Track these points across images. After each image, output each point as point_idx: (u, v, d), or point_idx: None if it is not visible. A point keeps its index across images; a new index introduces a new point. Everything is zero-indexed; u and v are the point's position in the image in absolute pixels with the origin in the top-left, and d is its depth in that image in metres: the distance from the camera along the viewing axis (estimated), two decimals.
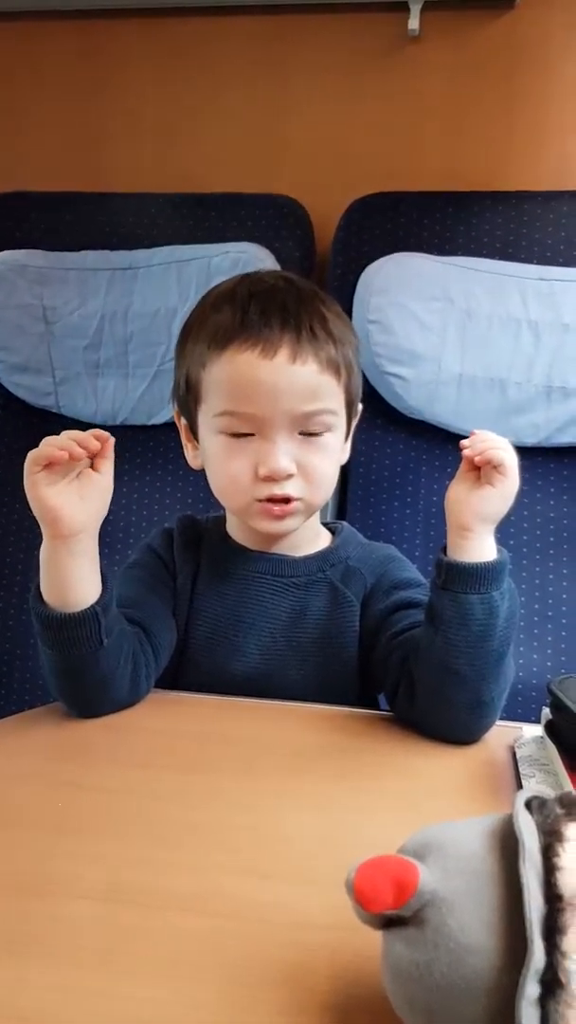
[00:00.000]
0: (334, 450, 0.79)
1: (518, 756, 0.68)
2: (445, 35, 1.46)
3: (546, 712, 0.69)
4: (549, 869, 0.33)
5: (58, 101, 1.59)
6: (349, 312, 1.35)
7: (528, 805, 0.37)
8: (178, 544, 0.86)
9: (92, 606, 0.71)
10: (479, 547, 0.70)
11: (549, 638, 1.26)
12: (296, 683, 0.82)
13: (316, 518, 0.87)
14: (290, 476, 0.76)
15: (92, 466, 0.71)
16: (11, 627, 1.38)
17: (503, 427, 1.31)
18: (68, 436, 0.68)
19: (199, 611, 0.84)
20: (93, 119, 1.58)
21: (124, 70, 1.56)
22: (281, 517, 0.77)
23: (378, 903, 0.35)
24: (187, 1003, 0.41)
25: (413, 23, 1.43)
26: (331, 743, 0.71)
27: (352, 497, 1.37)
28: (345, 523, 0.91)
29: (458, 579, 0.69)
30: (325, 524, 0.90)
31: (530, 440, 1.32)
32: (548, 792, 0.38)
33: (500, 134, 1.47)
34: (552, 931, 0.32)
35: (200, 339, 0.77)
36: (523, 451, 1.29)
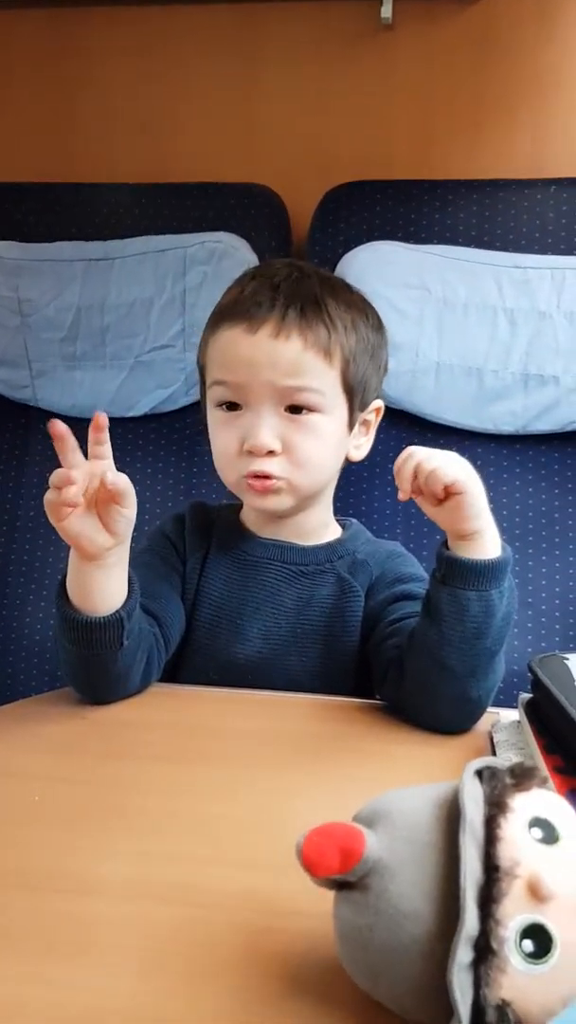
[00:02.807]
0: (325, 434, 0.79)
1: (495, 740, 0.69)
2: (418, 23, 1.45)
3: (523, 697, 0.69)
4: (490, 840, 0.34)
5: (29, 91, 1.56)
6: None
7: (480, 774, 0.37)
8: (189, 528, 0.88)
9: (118, 611, 0.71)
10: (481, 544, 0.69)
11: (529, 624, 1.27)
12: (297, 670, 0.83)
13: (327, 508, 0.88)
14: (272, 453, 0.77)
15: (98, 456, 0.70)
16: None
17: (481, 415, 1.32)
18: (62, 475, 0.65)
19: (205, 593, 0.85)
20: (65, 109, 1.56)
21: (96, 59, 1.54)
22: (263, 493, 0.78)
23: (324, 868, 0.37)
24: (164, 993, 0.41)
25: (386, 11, 1.42)
26: (321, 732, 0.71)
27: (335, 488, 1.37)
28: (355, 520, 0.92)
29: (457, 575, 0.68)
30: (337, 520, 0.91)
31: (507, 428, 1.33)
32: (501, 763, 0.38)
33: (473, 122, 1.47)
34: (488, 900, 0.33)
35: (208, 323, 0.83)
36: (501, 439, 1.33)
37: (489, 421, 1.33)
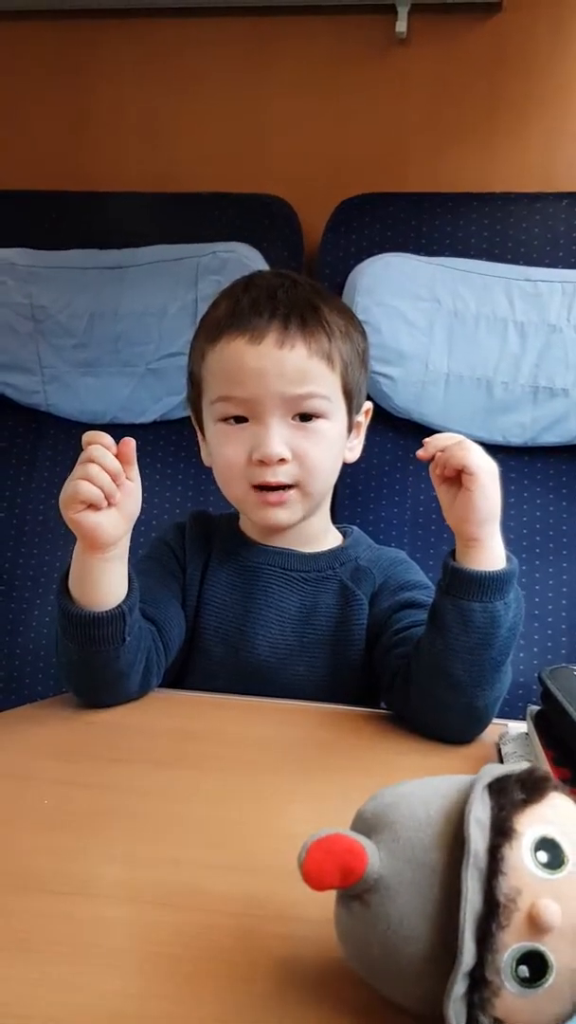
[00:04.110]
0: (331, 439, 0.80)
1: (503, 752, 0.69)
2: (432, 38, 1.46)
3: (531, 709, 0.69)
4: (492, 872, 0.34)
5: (43, 101, 1.58)
6: None
7: (490, 787, 0.37)
8: (189, 536, 0.88)
9: (120, 605, 0.72)
10: (487, 554, 0.69)
11: (536, 636, 1.26)
12: (304, 678, 0.83)
13: (326, 515, 0.88)
14: (283, 461, 0.77)
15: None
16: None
17: (490, 426, 1.32)
18: (101, 464, 0.68)
19: (208, 601, 0.85)
20: (79, 119, 1.58)
21: (110, 71, 1.56)
22: (277, 504, 0.78)
23: (325, 884, 0.36)
24: (164, 997, 0.41)
25: (401, 25, 1.43)
26: (328, 741, 0.72)
27: (340, 495, 1.37)
28: (355, 527, 0.92)
29: (462, 586, 0.69)
30: (336, 527, 0.91)
31: (516, 440, 1.33)
32: (515, 769, 0.38)
33: (486, 136, 1.47)
34: (486, 932, 0.33)
35: (200, 335, 0.82)
36: (509, 451, 1.33)
37: (498, 433, 1.33)
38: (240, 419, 0.79)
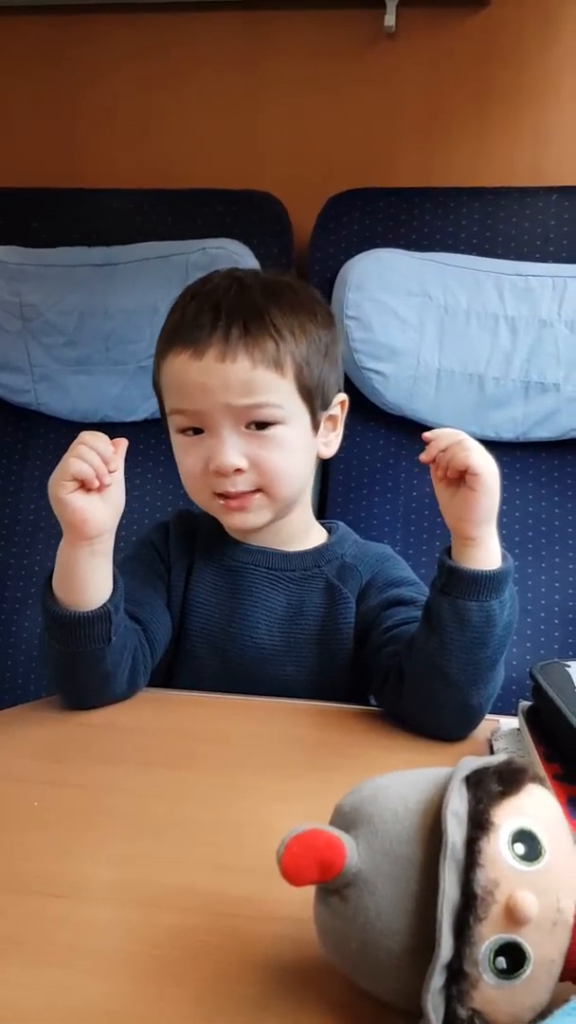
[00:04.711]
0: (290, 443, 0.78)
1: (495, 748, 0.69)
2: (421, 32, 1.46)
3: (523, 705, 0.69)
4: (470, 864, 0.34)
5: (33, 97, 1.57)
6: None
7: (468, 779, 0.37)
8: (174, 536, 0.87)
9: (105, 604, 0.72)
10: (483, 553, 0.69)
11: (528, 631, 1.26)
12: (292, 678, 0.83)
13: (307, 512, 0.88)
14: (239, 471, 0.77)
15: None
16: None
17: (481, 422, 1.32)
18: (93, 448, 0.70)
19: (194, 602, 0.84)
20: (68, 115, 1.57)
21: (99, 66, 1.55)
22: (240, 509, 0.78)
23: (303, 880, 0.36)
24: (158, 997, 0.41)
25: (389, 19, 1.43)
26: (318, 739, 0.71)
27: (332, 492, 1.37)
28: (341, 523, 0.91)
29: (458, 584, 0.68)
30: (321, 523, 0.91)
31: (508, 435, 1.33)
32: (493, 761, 0.38)
33: (475, 130, 1.47)
34: (464, 924, 0.33)
35: (156, 345, 0.82)
36: (501, 446, 1.33)
37: (490, 428, 1.33)
38: (197, 430, 0.78)
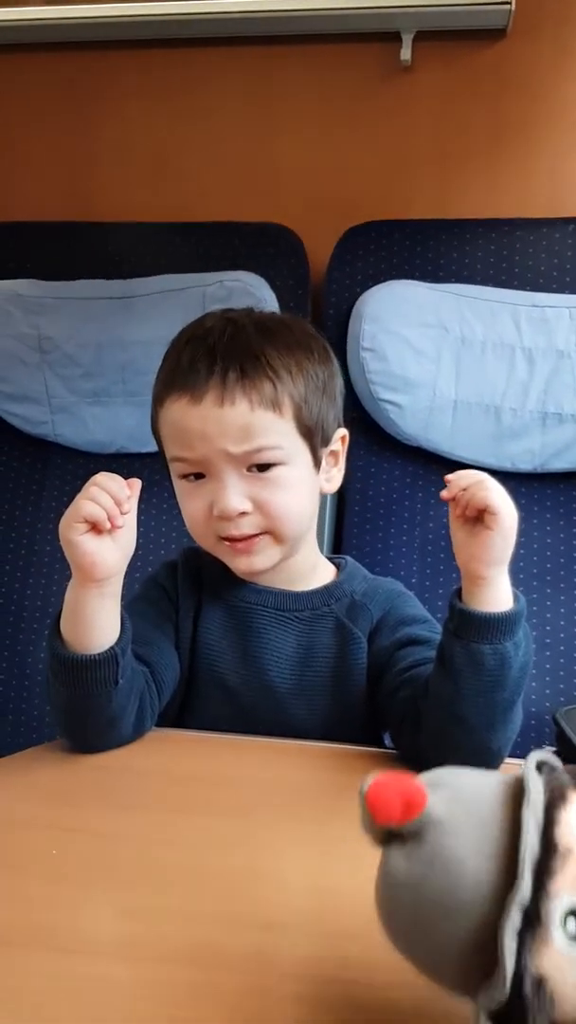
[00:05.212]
0: (293, 483, 0.78)
1: None
2: (437, 64, 1.47)
3: (534, 755, 0.68)
4: (549, 821, 0.35)
5: (50, 132, 1.60)
6: (343, 340, 1.36)
7: (539, 767, 0.38)
8: (182, 575, 0.86)
9: (112, 647, 0.71)
10: (494, 595, 0.68)
11: (547, 666, 1.25)
12: (305, 719, 0.81)
13: (313, 551, 0.87)
14: (244, 514, 0.76)
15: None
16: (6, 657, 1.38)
17: (498, 453, 1.32)
18: (106, 490, 0.69)
19: (203, 643, 0.83)
20: (85, 150, 1.59)
21: (116, 101, 1.57)
22: (247, 551, 0.78)
23: (385, 815, 0.36)
24: None
25: (405, 53, 1.44)
26: (333, 782, 0.70)
27: (348, 524, 1.36)
28: (349, 558, 0.90)
29: (470, 628, 0.67)
30: (329, 558, 0.90)
31: (525, 466, 1.32)
32: (557, 760, 0.39)
33: (491, 162, 1.47)
34: (542, 873, 0.34)
35: (153, 392, 0.82)
36: (518, 477, 1.32)
37: (506, 459, 1.32)
38: (199, 475, 0.78)
